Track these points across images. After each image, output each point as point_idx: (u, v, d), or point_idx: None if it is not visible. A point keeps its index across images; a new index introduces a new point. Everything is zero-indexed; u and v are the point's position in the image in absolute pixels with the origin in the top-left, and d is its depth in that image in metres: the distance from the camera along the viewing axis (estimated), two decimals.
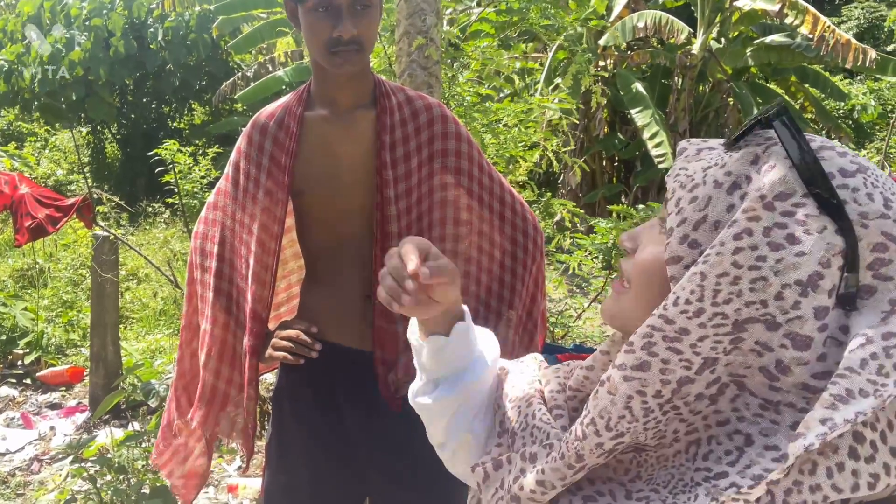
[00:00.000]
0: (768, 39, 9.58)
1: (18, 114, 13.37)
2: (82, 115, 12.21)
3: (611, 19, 9.19)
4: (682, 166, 0.59)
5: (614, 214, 3.21)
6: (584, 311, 3.42)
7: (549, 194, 3.76)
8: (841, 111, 11.94)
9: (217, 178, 1.73)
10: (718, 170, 0.55)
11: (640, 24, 8.68)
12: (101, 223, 4.69)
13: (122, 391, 2.43)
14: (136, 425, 2.79)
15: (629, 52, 9.76)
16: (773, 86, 10.72)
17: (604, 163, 10.79)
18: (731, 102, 9.79)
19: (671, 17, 8.67)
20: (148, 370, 2.64)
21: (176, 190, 4.10)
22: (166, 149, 4.00)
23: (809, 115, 10.22)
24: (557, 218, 4.27)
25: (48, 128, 12.94)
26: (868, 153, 10.35)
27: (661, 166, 8.55)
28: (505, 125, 2.99)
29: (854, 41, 8.30)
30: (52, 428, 3.72)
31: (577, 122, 5.01)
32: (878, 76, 10.70)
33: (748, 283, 0.51)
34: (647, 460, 0.60)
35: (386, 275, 0.72)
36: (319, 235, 1.49)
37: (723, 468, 0.53)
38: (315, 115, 1.44)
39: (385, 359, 1.42)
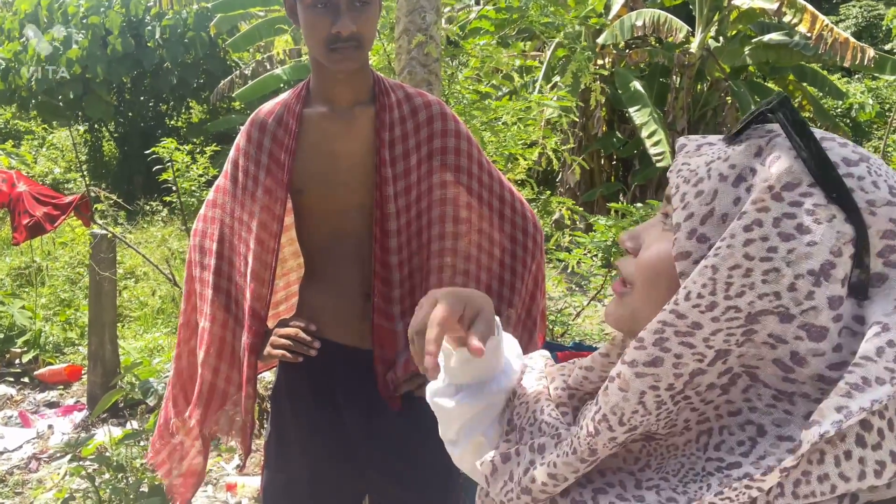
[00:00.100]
0: (766, 38, 9.58)
1: (15, 112, 13.36)
2: (80, 113, 12.20)
3: (609, 18, 9.19)
4: (683, 161, 0.58)
5: (613, 212, 3.21)
6: (583, 309, 3.42)
7: (548, 192, 3.75)
8: (839, 110, 11.96)
9: (215, 177, 1.73)
10: (722, 163, 0.55)
11: (639, 23, 8.68)
12: (99, 221, 4.68)
13: (121, 390, 2.42)
14: (135, 424, 2.79)
15: (627, 51, 9.76)
16: (771, 84, 10.73)
17: (602, 161, 10.80)
18: (730, 101, 9.80)
19: (669, 15, 8.67)
20: (146, 368, 2.63)
21: (174, 188, 4.10)
22: (164, 147, 4.00)
23: (808, 114, 10.23)
24: (556, 216, 4.27)
25: (45, 126, 12.92)
26: None
27: (659, 165, 8.56)
28: (504, 123, 2.98)
29: (852, 40, 8.30)
30: (50, 426, 3.72)
31: (577, 120, 5.01)
32: (876, 75, 10.72)
33: (761, 275, 0.50)
34: (656, 449, 0.59)
35: (415, 338, 0.71)
36: (318, 233, 1.48)
37: (736, 458, 0.53)
38: (314, 113, 1.43)
39: (384, 357, 1.41)
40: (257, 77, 9.72)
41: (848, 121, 11.82)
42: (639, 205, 3.05)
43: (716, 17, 9.36)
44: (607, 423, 0.57)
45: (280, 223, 1.43)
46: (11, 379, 4.44)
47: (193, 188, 4.33)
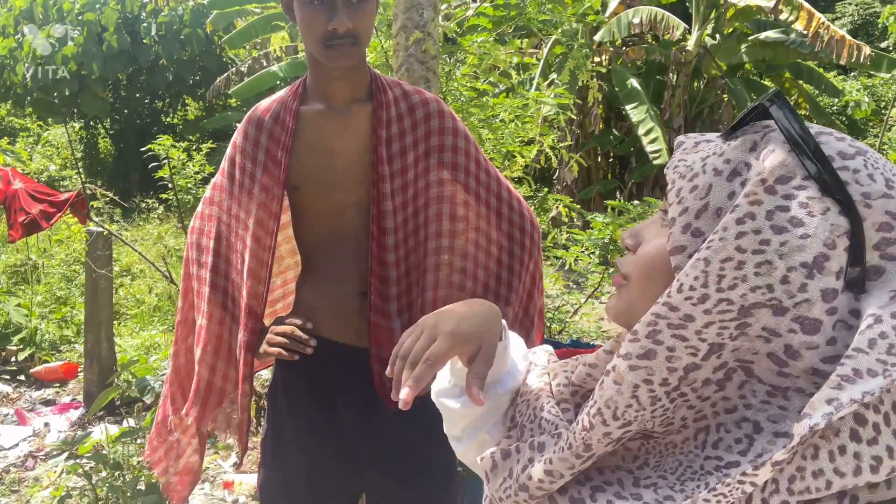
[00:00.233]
0: (763, 36, 9.59)
1: (11, 109, 13.30)
2: (75, 110, 12.16)
3: (606, 15, 9.19)
4: (680, 158, 0.59)
5: (610, 209, 3.21)
6: (580, 306, 3.42)
7: (545, 190, 3.75)
8: (835, 107, 11.97)
9: (211, 174, 1.72)
10: (717, 158, 0.55)
11: (636, 20, 8.68)
12: (95, 219, 4.67)
13: (117, 387, 2.41)
14: (132, 421, 2.78)
15: (624, 48, 9.76)
16: (767, 82, 10.74)
17: (599, 159, 10.80)
18: (726, 99, 9.81)
19: (666, 12, 8.67)
20: (143, 366, 2.63)
21: (170, 185, 4.08)
22: (160, 144, 3.98)
23: (804, 112, 10.24)
24: (553, 213, 4.27)
25: (41, 123, 12.88)
26: None
27: (655, 162, 8.57)
28: (501, 120, 2.98)
29: (848, 37, 8.32)
30: (46, 424, 3.71)
31: (574, 117, 5.01)
32: (871, 72, 10.74)
33: (753, 268, 0.50)
34: (655, 447, 0.59)
35: (400, 360, 0.72)
36: (315, 231, 1.48)
37: (734, 457, 0.53)
38: (311, 110, 1.43)
39: (381, 356, 1.41)
40: (253, 74, 9.70)
41: (844, 118, 11.83)
42: (636, 202, 3.05)
43: (712, 15, 9.37)
44: (601, 416, 0.56)
45: (277, 221, 1.43)
46: (7, 377, 4.43)
47: (190, 185, 4.31)
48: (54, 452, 3.13)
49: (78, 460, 2.35)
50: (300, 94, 1.44)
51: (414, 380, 0.68)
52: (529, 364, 0.79)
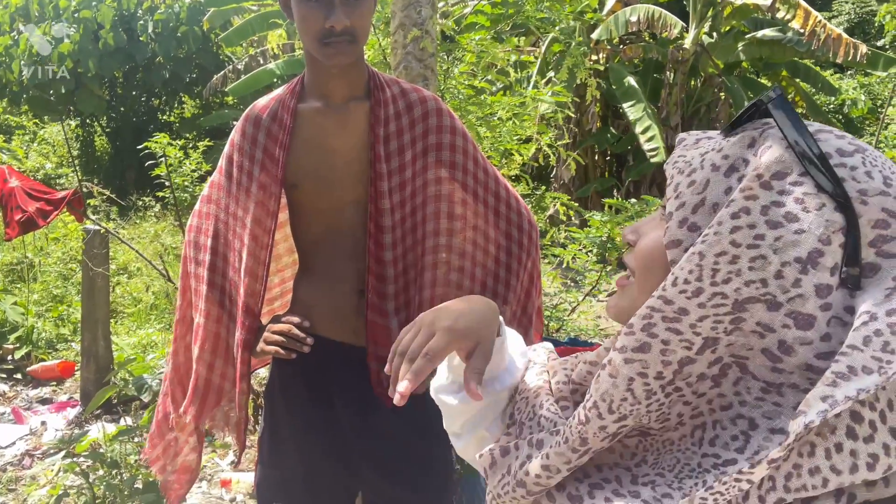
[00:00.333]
0: (760, 34, 9.61)
1: (6, 106, 13.26)
2: (71, 107, 12.13)
3: (603, 13, 9.19)
4: (680, 154, 0.59)
5: (607, 207, 3.22)
6: (578, 304, 3.42)
7: (543, 188, 3.75)
8: (831, 106, 11.99)
9: (208, 172, 1.71)
10: (716, 154, 0.55)
11: (633, 18, 8.69)
12: (92, 217, 4.65)
13: (114, 386, 2.41)
14: (129, 420, 2.78)
15: (621, 47, 9.77)
16: (764, 80, 10.75)
17: (596, 157, 10.81)
18: (723, 97, 9.82)
19: (664, 11, 8.68)
20: (140, 365, 2.62)
21: (167, 183, 4.07)
22: (156, 142, 3.97)
23: (800, 110, 10.26)
24: (550, 211, 4.26)
25: (37, 121, 12.84)
26: None
27: (653, 160, 8.57)
28: (499, 119, 2.98)
29: (845, 36, 8.33)
30: (43, 423, 3.70)
31: (572, 115, 5.01)
32: (868, 71, 10.76)
33: (747, 262, 0.50)
34: (652, 444, 0.59)
35: (400, 357, 0.72)
36: (313, 229, 1.47)
37: (731, 455, 0.53)
38: (308, 108, 1.42)
39: (378, 354, 1.40)
40: (250, 72, 9.69)
41: (840, 117, 11.86)
42: (633, 200, 3.05)
43: (709, 13, 9.38)
44: (597, 410, 0.57)
45: (274, 219, 1.42)
46: (4, 375, 4.42)
47: (186, 183, 4.30)
48: (51, 451, 3.12)
49: (75, 459, 2.35)
50: (298, 91, 1.43)
51: (412, 373, 0.69)
52: (528, 361, 0.79)
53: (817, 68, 10.47)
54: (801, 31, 8.31)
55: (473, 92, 3.00)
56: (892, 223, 0.50)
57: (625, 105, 8.94)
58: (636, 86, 8.99)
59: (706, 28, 9.58)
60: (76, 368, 4.33)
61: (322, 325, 1.44)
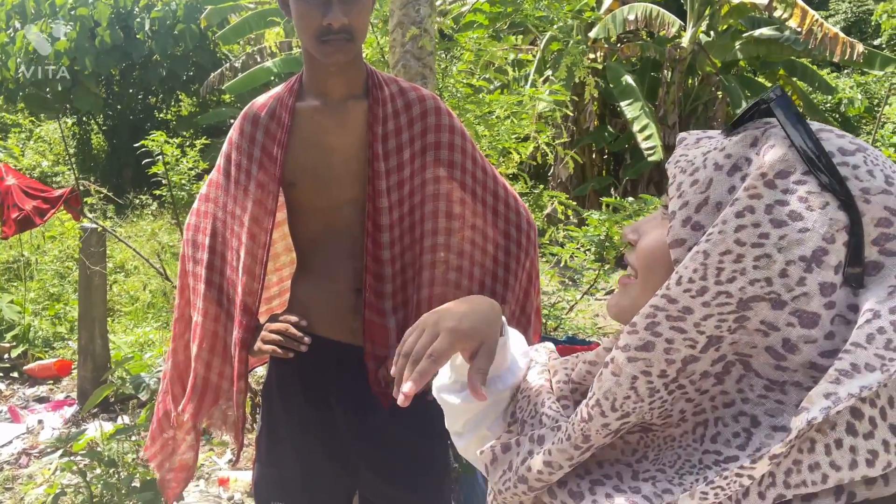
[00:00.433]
0: (757, 33, 9.61)
1: (2, 104, 13.22)
2: (68, 105, 12.09)
3: (601, 11, 9.19)
4: (682, 153, 0.59)
5: (604, 206, 3.22)
6: (576, 303, 3.42)
7: (541, 187, 3.75)
8: (828, 105, 12.01)
9: (205, 170, 1.71)
10: (718, 153, 0.55)
11: (631, 17, 8.70)
12: (89, 215, 4.64)
13: (111, 384, 2.41)
14: (126, 419, 2.77)
15: (619, 45, 9.77)
16: (761, 79, 10.76)
17: (593, 155, 10.82)
18: (720, 95, 9.83)
19: (661, 9, 8.68)
20: (137, 363, 2.62)
21: (164, 182, 4.06)
22: (153, 140, 3.96)
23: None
24: (548, 210, 4.27)
25: (33, 118, 12.80)
26: None
27: (650, 159, 8.58)
28: (497, 117, 2.98)
29: (842, 35, 8.34)
30: (40, 422, 3.70)
31: (570, 114, 5.01)
32: (864, 70, 10.77)
33: (752, 261, 0.51)
34: (654, 440, 0.60)
35: (406, 358, 0.73)
36: (310, 227, 1.47)
37: (733, 451, 0.53)
38: (307, 106, 1.42)
39: (375, 354, 1.40)
40: (247, 70, 9.66)
41: (837, 115, 11.87)
42: (630, 199, 3.05)
43: (707, 12, 9.38)
44: (600, 408, 0.57)
45: (272, 217, 1.42)
46: (0, 374, 4.41)
47: (184, 182, 4.29)
48: (48, 450, 3.11)
49: (72, 458, 2.34)
50: (296, 90, 1.43)
51: (417, 375, 0.69)
52: (530, 361, 0.79)
53: (814, 67, 10.48)
54: (798, 29, 8.32)
55: (472, 91, 3.00)
56: (895, 221, 0.50)
57: (622, 103, 8.95)
58: (634, 84, 8.99)
59: (703, 27, 9.59)
60: (73, 367, 4.33)
61: (320, 325, 1.44)
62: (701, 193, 0.55)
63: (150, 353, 3.39)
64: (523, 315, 1.56)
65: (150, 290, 5.94)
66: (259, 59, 9.90)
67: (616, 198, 3.03)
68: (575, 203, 3.35)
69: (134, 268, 6.65)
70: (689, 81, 10.18)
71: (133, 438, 2.43)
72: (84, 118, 13.16)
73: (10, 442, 3.49)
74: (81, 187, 6.13)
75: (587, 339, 3.00)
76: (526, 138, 3.16)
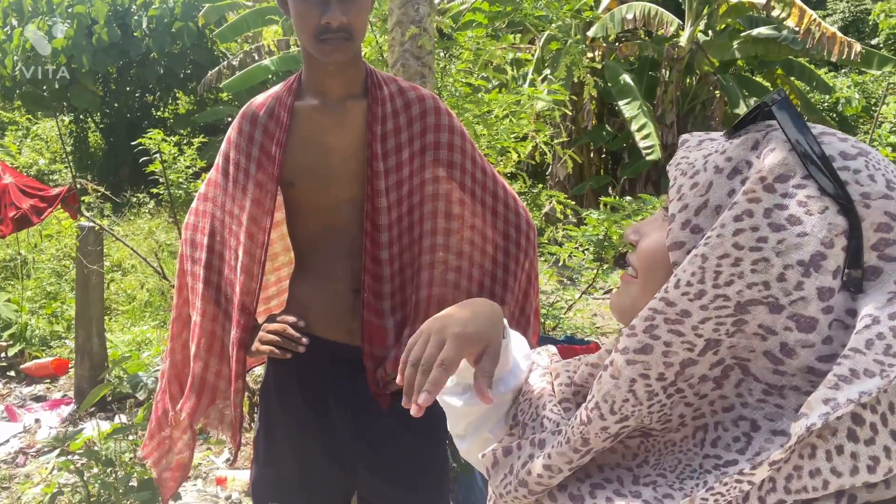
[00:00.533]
0: (755, 32, 9.62)
1: None
2: (65, 103, 12.07)
3: (599, 10, 9.20)
4: (683, 155, 0.59)
5: (602, 205, 3.22)
6: (574, 302, 3.42)
7: (540, 186, 3.75)
8: (825, 104, 12.03)
9: (202, 169, 1.71)
10: (719, 156, 0.55)
11: (629, 16, 8.70)
12: (86, 213, 4.63)
13: (109, 384, 2.40)
14: (123, 418, 2.77)
15: (617, 44, 9.78)
16: (759, 78, 10.78)
17: (591, 155, 10.82)
18: (718, 95, 9.84)
19: (660, 8, 8.69)
20: (135, 362, 2.61)
21: (161, 180, 4.05)
22: (150, 138, 3.95)
23: None
24: (546, 209, 4.26)
25: (30, 116, 12.77)
26: None
27: (648, 158, 8.59)
28: (496, 116, 2.97)
29: (839, 34, 8.36)
30: (37, 420, 3.69)
31: (570, 112, 5.01)
32: (862, 69, 10.79)
33: (749, 265, 0.51)
34: (654, 445, 0.60)
35: (414, 367, 0.72)
36: (309, 227, 1.47)
37: (733, 456, 0.53)
38: (305, 105, 1.41)
39: (373, 354, 1.40)
40: (245, 68, 9.64)
41: (834, 115, 11.89)
42: (628, 198, 3.05)
43: (705, 11, 9.39)
44: (599, 411, 0.57)
45: (270, 217, 1.42)
46: None
47: (181, 180, 4.28)
48: (45, 449, 3.11)
49: (69, 457, 2.34)
50: (295, 89, 1.43)
51: (431, 385, 0.69)
52: (532, 363, 0.79)
53: (812, 66, 10.50)
54: (796, 29, 8.33)
55: (471, 90, 2.99)
56: (895, 227, 0.50)
57: (620, 103, 8.95)
58: (632, 83, 9.00)
59: (702, 26, 9.59)
60: (70, 366, 4.32)
61: (318, 325, 1.43)
62: (700, 196, 0.55)
63: (147, 353, 3.38)
64: (522, 316, 1.56)
65: (148, 289, 5.94)
66: (257, 58, 9.88)
67: (615, 197, 3.03)
68: (573, 202, 3.35)
69: (131, 266, 6.64)
70: (687, 80, 10.18)
71: (130, 438, 2.43)
72: (81, 116, 13.13)
73: (7, 441, 3.48)
74: (79, 185, 6.12)
75: (585, 339, 3.00)
76: (524, 137, 3.16)
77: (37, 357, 4.54)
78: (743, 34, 9.75)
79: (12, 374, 4.40)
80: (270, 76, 9.17)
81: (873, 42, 13.63)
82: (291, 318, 1.42)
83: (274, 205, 1.42)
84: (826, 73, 12.06)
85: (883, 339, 0.47)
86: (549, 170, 9.63)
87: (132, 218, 8.84)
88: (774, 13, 8.38)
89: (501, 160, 3.05)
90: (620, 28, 8.88)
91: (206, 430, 1.61)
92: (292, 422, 1.48)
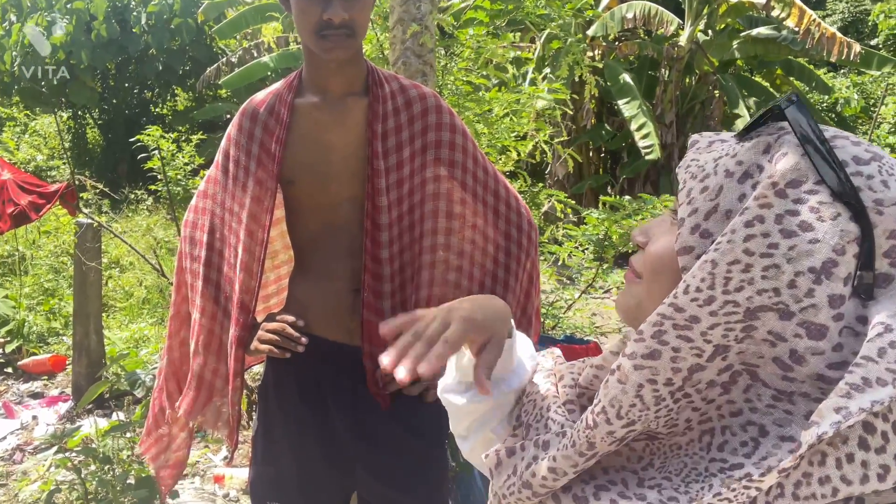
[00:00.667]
0: (755, 32, 9.63)
1: None
2: (63, 99, 12.04)
3: (599, 9, 9.19)
4: (693, 157, 0.58)
5: (601, 205, 3.22)
6: (574, 302, 3.42)
7: (540, 185, 3.75)
8: (825, 104, 12.04)
9: (201, 166, 1.71)
10: (730, 159, 0.55)
11: (629, 15, 8.70)
12: (85, 210, 4.62)
13: (107, 381, 2.39)
14: (121, 415, 2.76)
15: (617, 44, 9.78)
16: (758, 78, 10.79)
17: (590, 154, 10.83)
18: (718, 94, 9.85)
19: (660, 8, 8.69)
20: (133, 360, 2.60)
21: (159, 177, 4.05)
22: (149, 135, 3.95)
23: None
24: (545, 208, 4.26)
25: (28, 112, 12.74)
26: None
27: (647, 158, 8.59)
28: (496, 115, 2.97)
29: (839, 35, 8.37)
30: (34, 417, 3.68)
31: (570, 112, 5.01)
32: (861, 70, 10.80)
33: (760, 271, 0.50)
34: (659, 448, 0.59)
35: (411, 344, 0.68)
36: (309, 225, 1.46)
37: (739, 459, 0.53)
38: (305, 103, 1.41)
39: (373, 354, 1.38)
40: (244, 65, 9.64)
41: (833, 115, 11.90)
42: (627, 197, 3.05)
43: (705, 11, 9.39)
44: (605, 415, 0.56)
45: (270, 214, 1.41)
46: None
47: (179, 177, 4.27)
48: (43, 446, 3.10)
49: (67, 454, 2.33)
50: (295, 86, 1.42)
51: (434, 357, 0.66)
52: (536, 364, 0.78)
53: (811, 67, 10.51)
54: (796, 29, 8.34)
55: (472, 88, 2.99)
56: None
57: (620, 102, 8.95)
58: (631, 83, 9.00)
59: (701, 25, 9.60)
60: (68, 363, 4.31)
61: (317, 325, 1.42)
62: (711, 201, 0.54)
63: (145, 350, 3.37)
64: (524, 316, 1.55)
65: (146, 286, 5.93)
66: (256, 55, 9.87)
67: (616, 196, 3.03)
68: (573, 201, 3.35)
69: (129, 263, 6.63)
70: (687, 80, 10.19)
71: (128, 435, 2.42)
72: (79, 112, 13.11)
73: (5, 438, 3.47)
74: (77, 182, 6.10)
75: (585, 339, 3.00)
76: (524, 136, 3.15)
77: (34, 354, 4.53)
78: (743, 34, 9.76)
79: (9, 370, 4.39)
80: (269, 73, 9.16)
81: (872, 43, 13.65)
82: (291, 318, 1.41)
83: (274, 202, 1.41)
84: (825, 74, 12.07)
85: (895, 347, 0.47)
86: (549, 169, 9.63)
87: (130, 215, 8.82)
88: (774, 13, 8.38)
89: (501, 159, 3.04)
90: (620, 27, 8.88)
91: (201, 428, 1.61)
92: (291, 421, 1.47)
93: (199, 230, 1.51)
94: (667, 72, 9.61)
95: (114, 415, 3.37)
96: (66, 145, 12.45)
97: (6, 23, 11.09)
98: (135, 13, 11.27)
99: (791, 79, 10.29)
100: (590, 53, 9.12)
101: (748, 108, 9.43)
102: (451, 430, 0.81)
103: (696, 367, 0.53)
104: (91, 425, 2.55)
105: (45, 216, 4.84)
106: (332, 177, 1.40)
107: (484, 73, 3.14)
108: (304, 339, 1.38)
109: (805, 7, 8.31)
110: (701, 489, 0.53)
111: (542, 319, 3.23)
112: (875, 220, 0.49)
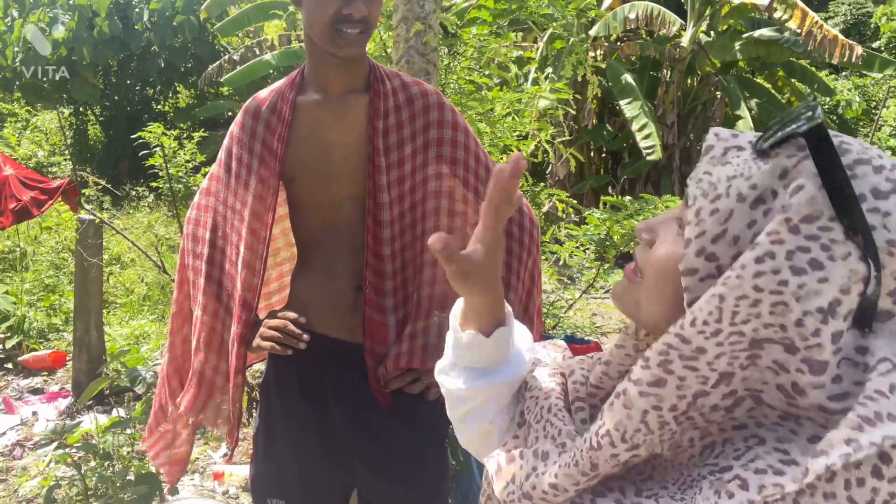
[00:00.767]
0: (757, 33, 9.62)
1: None
2: (65, 95, 12.04)
3: (602, 9, 9.19)
4: (706, 170, 0.57)
5: (603, 204, 3.21)
6: (574, 301, 3.42)
7: (542, 184, 3.75)
8: (826, 106, 12.03)
9: (202, 163, 1.71)
10: (743, 182, 0.53)
11: (632, 15, 8.70)
12: (86, 206, 4.62)
13: (107, 377, 2.39)
14: (121, 411, 2.76)
15: (619, 44, 9.77)
16: (760, 80, 10.78)
17: (592, 154, 10.83)
18: (719, 96, 9.84)
19: (662, 8, 8.69)
20: (133, 356, 2.61)
21: (160, 174, 4.05)
22: (150, 132, 3.95)
23: None
24: (545, 208, 4.26)
25: (29, 108, 12.74)
26: None
27: (648, 158, 8.59)
28: (498, 114, 2.97)
29: (841, 37, 8.37)
30: (34, 413, 3.68)
31: (572, 112, 5.01)
32: (863, 72, 10.79)
33: (768, 307, 0.50)
34: (661, 464, 0.60)
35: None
36: (311, 223, 1.46)
37: (728, 462, 0.53)
38: (307, 100, 1.40)
39: (375, 351, 1.39)
40: (246, 62, 9.63)
41: (835, 118, 11.90)
42: (628, 198, 3.05)
43: (707, 12, 9.38)
44: (610, 438, 0.57)
45: (272, 212, 1.41)
46: None
47: (181, 174, 4.28)
48: (43, 442, 3.11)
49: (67, 450, 2.33)
50: (297, 84, 1.42)
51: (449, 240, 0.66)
52: (536, 360, 0.78)
53: (813, 69, 10.50)
54: (798, 31, 8.34)
55: (474, 87, 2.99)
56: None
57: (621, 102, 8.95)
58: (633, 83, 8.99)
59: (704, 26, 9.59)
60: (68, 359, 4.31)
61: (319, 322, 1.42)
62: (720, 225, 0.54)
63: (146, 346, 3.38)
64: (526, 315, 1.55)
65: (147, 283, 5.93)
66: (258, 52, 9.87)
67: (618, 197, 3.03)
68: (575, 201, 3.35)
69: (130, 260, 6.64)
70: (689, 81, 10.18)
71: (128, 431, 2.42)
72: (81, 109, 13.11)
73: (5, 433, 3.48)
74: (79, 178, 6.10)
75: (586, 339, 3.00)
76: (526, 136, 3.15)
77: (35, 349, 4.54)
78: (745, 35, 9.75)
79: (10, 366, 4.40)
80: (271, 71, 9.16)
81: (874, 45, 13.65)
82: (292, 315, 1.41)
83: (276, 200, 1.41)
84: (827, 76, 12.06)
85: None
86: (550, 168, 9.63)
87: (131, 211, 8.82)
88: (776, 15, 8.38)
89: (503, 158, 3.04)
90: (623, 27, 8.87)
91: (201, 425, 1.61)
92: (292, 418, 1.47)
93: (202, 227, 1.51)
94: (669, 72, 9.61)
95: (114, 411, 3.38)
96: (68, 141, 12.44)
97: (8, 18, 11.09)
98: (137, 10, 11.27)
99: (793, 80, 10.29)
100: (592, 54, 9.12)
101: (750, 110, 9.43)
102: (448, 416, 0.80)
103: (700, 392, 0.54)
104: (91, 421, 2.55)
105: (46, 212, 4.84)
106: (334, 174, 1.40)
107: (487, 72, 3.14)
108: (305, 337, 1.38)
109: (807, 9, 8.31)
110: (695, 494, 0.54)
111: (543, 319, 3.23)
112: (885, 261, 0.49)
